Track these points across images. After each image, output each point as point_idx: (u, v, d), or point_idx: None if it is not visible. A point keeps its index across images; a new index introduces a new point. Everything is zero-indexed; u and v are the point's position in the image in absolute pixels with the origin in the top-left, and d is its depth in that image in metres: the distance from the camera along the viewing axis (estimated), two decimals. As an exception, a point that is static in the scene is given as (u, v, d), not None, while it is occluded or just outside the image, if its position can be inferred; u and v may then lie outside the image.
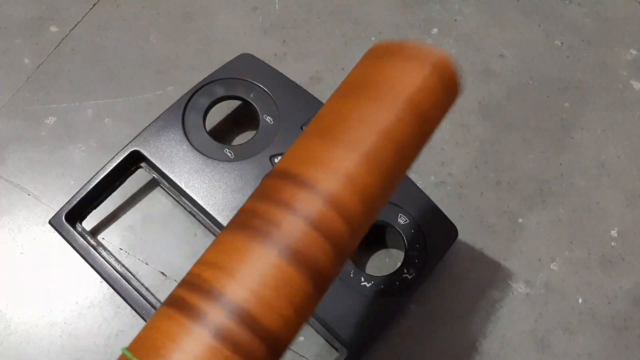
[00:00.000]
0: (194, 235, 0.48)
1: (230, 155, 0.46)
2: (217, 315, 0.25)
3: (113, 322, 0.46)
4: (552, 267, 0.48)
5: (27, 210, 0.49)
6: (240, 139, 0.51)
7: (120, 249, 0.48)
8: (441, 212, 0.46)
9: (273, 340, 0.26)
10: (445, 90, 0.31)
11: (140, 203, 0.49)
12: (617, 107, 0.55)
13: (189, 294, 0.27)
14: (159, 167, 0.45)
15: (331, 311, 0.42)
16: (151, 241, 0.48)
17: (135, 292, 0.43)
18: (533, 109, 0.54)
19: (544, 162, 0.52)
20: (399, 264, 0.45)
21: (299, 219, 0.27)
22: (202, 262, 0.28)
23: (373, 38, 0.56)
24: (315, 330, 0.43)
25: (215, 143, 0.47)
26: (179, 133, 0.46)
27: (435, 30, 0.57)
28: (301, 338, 0.45)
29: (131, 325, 0.45)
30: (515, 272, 0.48)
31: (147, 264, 0.47)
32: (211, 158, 0.46)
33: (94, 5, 0.57)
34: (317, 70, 0.55)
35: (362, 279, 0.43)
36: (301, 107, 0.48)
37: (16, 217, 0.49)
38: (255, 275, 0.26)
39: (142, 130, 0.46)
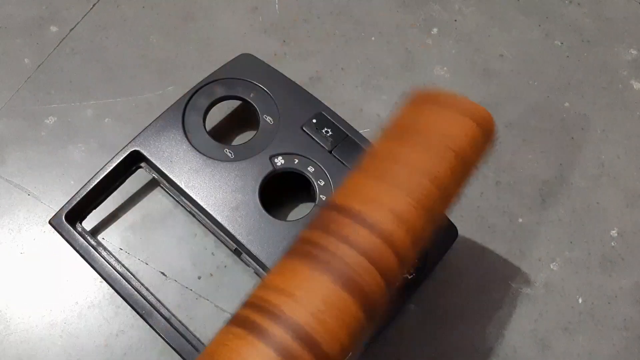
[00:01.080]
0: (194, 235, 0.48)
1: (230, 155, 0.46)
2: (280, 334, 0.27)
3: (113, 322, 0.46)
4: (552, 267, 0.48)
5: (27, 210, 0.49)
6: (240, 139, 0.51)
7: (120, 249, 0.48)
8: (441, 212, 0.46)
9: None
10: (486, 140, 0.35)
11: (140, 203, 0.49)
12: (617, 107, 0.55)
13: (254, 315, 0.29)
14: (159, 167, 0.45)
15: (331, 311, 0.42)
16: (151, 241, 0.48)
17: (136, 292, 0.43)
18: (533, 109, 0.54)
19: (544, 162, 0.52)
20: (399, 264, 0.44)
21: (355, 251, 0.30)
22: (265, 285, 0.30)
23: (373, 38, 0.56)
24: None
25: (215, 143, 0.47)
26: (179, 133, 0.46)
27: (435, 30, 0.57)
28: (301, 338, 0.45)
29: (131, 325, 0.45)
30: (515, 272, 0.48)
31: (147, 264, 0.47)
32: (211, 158, 0.46)
33: (94, 5, 0.57)
34: (317, 70, 0.55)
35: (362, 279, 0.43)
36: (301, 107, 0.48)
37: (16, 217, 0.49)
38: (314, 300, 0.28)
39: (142, 130, 0.46)
